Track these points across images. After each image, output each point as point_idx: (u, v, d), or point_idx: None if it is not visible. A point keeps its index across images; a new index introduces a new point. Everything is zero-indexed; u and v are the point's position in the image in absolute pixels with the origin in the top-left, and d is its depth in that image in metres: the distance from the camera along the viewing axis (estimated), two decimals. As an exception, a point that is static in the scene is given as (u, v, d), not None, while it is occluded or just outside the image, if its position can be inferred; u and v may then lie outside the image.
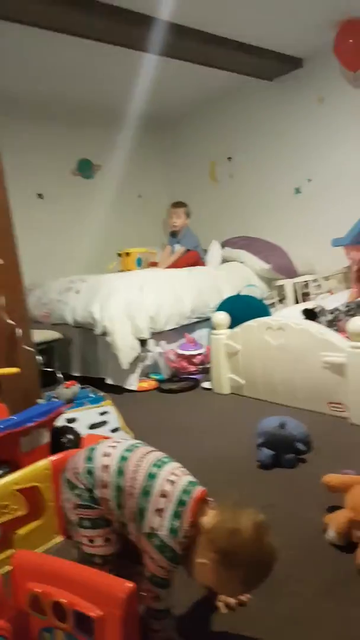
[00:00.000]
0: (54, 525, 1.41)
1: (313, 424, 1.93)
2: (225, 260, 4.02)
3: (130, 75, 3.69)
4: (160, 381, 3.04)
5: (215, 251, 4.04)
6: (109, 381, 3.03)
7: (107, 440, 1.05)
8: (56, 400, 2.23)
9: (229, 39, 3.31)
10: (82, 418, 2.29)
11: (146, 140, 4.83)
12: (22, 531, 1.36)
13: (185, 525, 0.90)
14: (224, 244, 4.13)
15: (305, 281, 3.71)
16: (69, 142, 4.45)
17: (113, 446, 1.01)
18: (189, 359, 3.02)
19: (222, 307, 3.10)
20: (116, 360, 2.91)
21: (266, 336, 2.45)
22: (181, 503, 0.91)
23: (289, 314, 2.80)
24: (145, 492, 0.93)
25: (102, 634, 0.82)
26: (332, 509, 1.35)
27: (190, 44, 3.20)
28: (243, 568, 0.87)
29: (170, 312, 3.17)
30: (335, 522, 1.26)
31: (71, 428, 1.86)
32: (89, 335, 3.14)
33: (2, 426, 1.50)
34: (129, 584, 0.82)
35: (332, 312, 2.59)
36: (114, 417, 2.34)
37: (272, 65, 3.75)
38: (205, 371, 2.99)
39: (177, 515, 0.91)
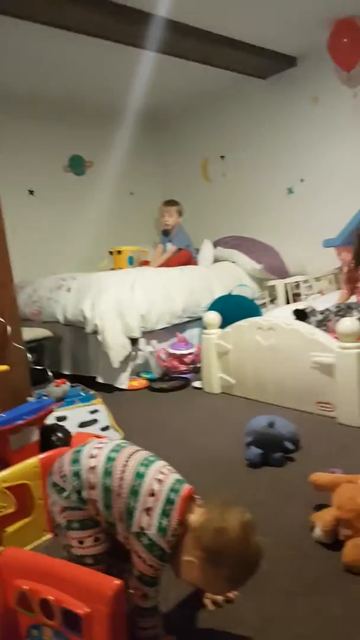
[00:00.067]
0: (43, 523, 1.42)
1: (301, 423, 1.96)
2: (217, 260, 4.02)
3: (124, 72, 3.69)
4: (151, 380, 3.04)
5: (207, 250, 4.05)
6: (100, 379, 3.03)
7: (93, 441, 1.05)
8: (46, 398, 2.22)
9: (223, 36, 3.31)
10: (72, 416, 2.29)
11: (139, 137, 4.81)
12: (11, 529, 1.36)
13: (174, 524, 0.91)
14: (216, 244, 4.13)
15: (297, 282, 3.72)
16: (61, 138, 4.42)
17: (99, 447, 1.01)
18: (179, 358, 3.03)
19: (213, 306, 3.11)
20: (107, 359, 2.91)
21: (257, 336, 2.47)
22: (169, 501, 0.92)
23: (280, 315, 2.82)
24: (134, 492, 0.93)
25: (90, 631, 0.83)
26: (319, 507, 1.37)
27: (186, 41, 3.19)
28: (229, 566, 0.88)
29: (162, 311, 3.16)
30: (322, 521, 1.28)
31: (61, 426, 1.86)
32: (79, 334, 3.13)
33: (-9, 424, 1.50)
34: (117, 582, 0.83)
35: (322, 312, 2.61)
36: (104, 416, 2.34)
37: (266, 63, 3.75)
38: (196, 370, 3.00)
39: (165, 513, 0.91)
